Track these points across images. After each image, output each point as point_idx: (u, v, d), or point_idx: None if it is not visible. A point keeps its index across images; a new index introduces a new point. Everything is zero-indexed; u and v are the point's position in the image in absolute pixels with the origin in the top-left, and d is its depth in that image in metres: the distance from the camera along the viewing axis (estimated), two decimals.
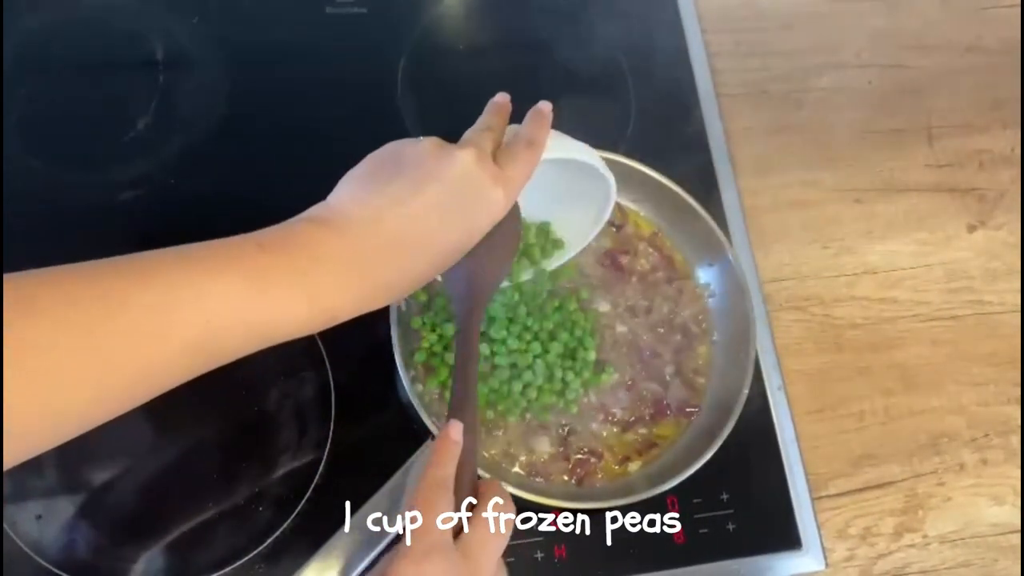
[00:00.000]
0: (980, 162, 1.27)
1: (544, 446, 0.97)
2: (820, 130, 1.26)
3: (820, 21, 1.34)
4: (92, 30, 1.15)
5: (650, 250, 1.08)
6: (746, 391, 0.97)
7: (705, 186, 1.14)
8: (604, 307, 1.04)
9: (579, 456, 0.97)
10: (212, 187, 1.08)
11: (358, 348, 1.01)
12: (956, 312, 1.18)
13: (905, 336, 1.15)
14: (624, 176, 1.06)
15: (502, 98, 0.81)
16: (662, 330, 1.05)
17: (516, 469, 0.96)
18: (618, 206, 1.08)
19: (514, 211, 0.83)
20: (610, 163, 1.04)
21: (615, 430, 0.99)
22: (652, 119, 1.19)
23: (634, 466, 0.98)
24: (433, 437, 0.89)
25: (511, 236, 0.84)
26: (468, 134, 0.77)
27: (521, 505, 0.88)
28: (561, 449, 0.97)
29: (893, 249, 1.20)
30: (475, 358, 0.80)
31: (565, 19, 1.25)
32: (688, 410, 1.01)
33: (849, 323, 1.15)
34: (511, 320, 0.98)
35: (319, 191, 1.10)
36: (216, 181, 1.09)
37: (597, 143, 1.05)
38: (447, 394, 0.96)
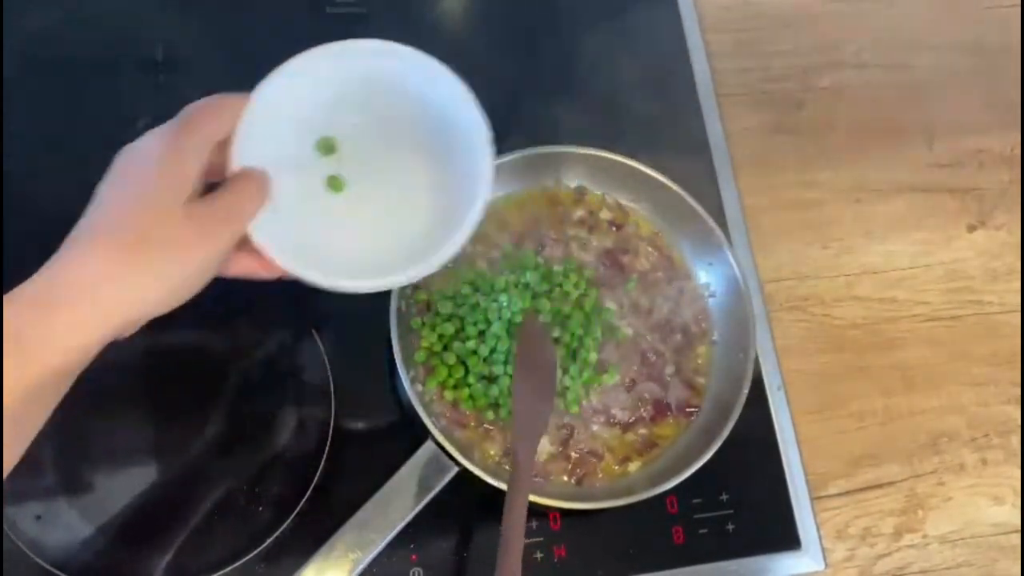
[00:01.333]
0: (980, 162, 1.27)
1: (544, 446, 0.97)
2: (820, 130, 1.26)
3: (820, 21, 1.34)
4: (92, 30, 1.15)
5: (650, 249, 1.08)
6: (746, 391, 0.97)
7: (705, 186, 1.14)
8: (608, 306, 1.04)
9: (579, 456, 0.97)
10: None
11: (358, 348, 1.01)
12: (956, 312, 1.18)
13: (905, 336, 1.15)
14: (624, 176, 1.06)
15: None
16: (662, 330, 1.05)
17: None
18: (619, 205, 1.09)
19: (550, 352, 0.95)
20: (611, 163, 1.05)
21: (615, 431, 0.99)
22: (652, 119, 1.19)
23: (634, 466, 0.98)
24: (433, 438, 0.89)
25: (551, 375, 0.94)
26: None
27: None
28: (561, 449, 0.97)
29: (893, 249, 1.20)
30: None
31: (565, 19, 1.25)
32: (688, 410, 1.01)
33: (849, 323, 1.15)
34: (511, 322, 0.98)
35: None
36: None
37: (597, 143, 1.06)
38: (447, 394, 0.96)
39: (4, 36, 1.11)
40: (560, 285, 1.02)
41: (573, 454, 0.97)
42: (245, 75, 1.15)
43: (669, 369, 1.03)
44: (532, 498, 0.88)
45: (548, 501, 0.90)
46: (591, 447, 0.98)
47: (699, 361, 1.04)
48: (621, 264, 1.07)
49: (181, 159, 0.70)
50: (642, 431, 1.00)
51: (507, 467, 0.95)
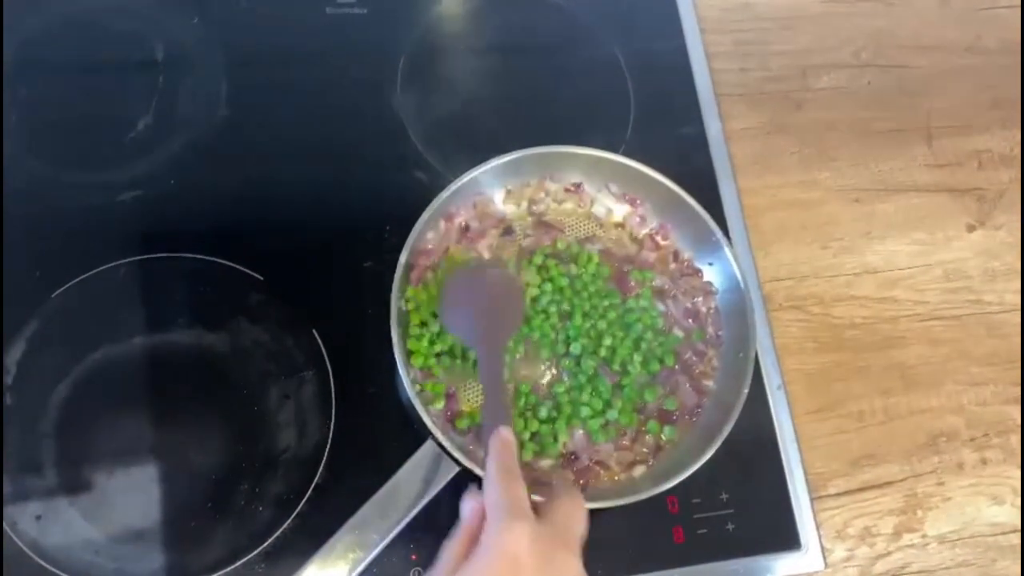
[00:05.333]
0: (979, 162, 1.27)
1: (548, 461, 0.97)
2: (819, 130, 1.26)
3: (819, 21, 1.34)
4: (92, 30, 1.15)
5: (663, 242, 1.08)
6: (746, 391, 0.96)
7: (704, 186, 1.14)
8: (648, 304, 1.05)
9: (584, 467, 0.97)
10: (212, 187, 1.08)
11: (358, 348, 1.01)
12: (955, 312, 1.18)
13: (904, 336, 1.15)
14: (624, 176, 1.06)
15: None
16: (686, 327, 1.05)
17: None
18: (615, 198, 1.09)
19: (517, 291, 0.99)
20: (610, 163, 1.05)
21: (624, 452, 0.99)
22: (652, 119, 1.19)
23: (639, 470, 0.97)
24: (434, 437, 0.89)
25: (516, 312, 0.98)
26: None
27: None
28: (565, 463, 0.97)
29: (892, 249, 1.20)
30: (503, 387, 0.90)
31: (565, 19, 1.25)
32: (697, 411, 1.01)
33: (848, 323, 1.15)
34: None
35: (319, 190, 1.11)
36: (216, 181, 1.09)
37: (597, 143, 1.06)
38: (439, 394, 0.96)
39: (4, 36, 1.11)
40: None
41: (578, 467, 0.97)
42: (245, 75, 1.16)
43: (682, 377, 1.03)
44: (533, 498, 0.88)
45: None
46: (598, 458, 0.97)
47: (712, 364, 1.04)
48: (634, 260, 1.07)
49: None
50: (648, 439, 0.99)
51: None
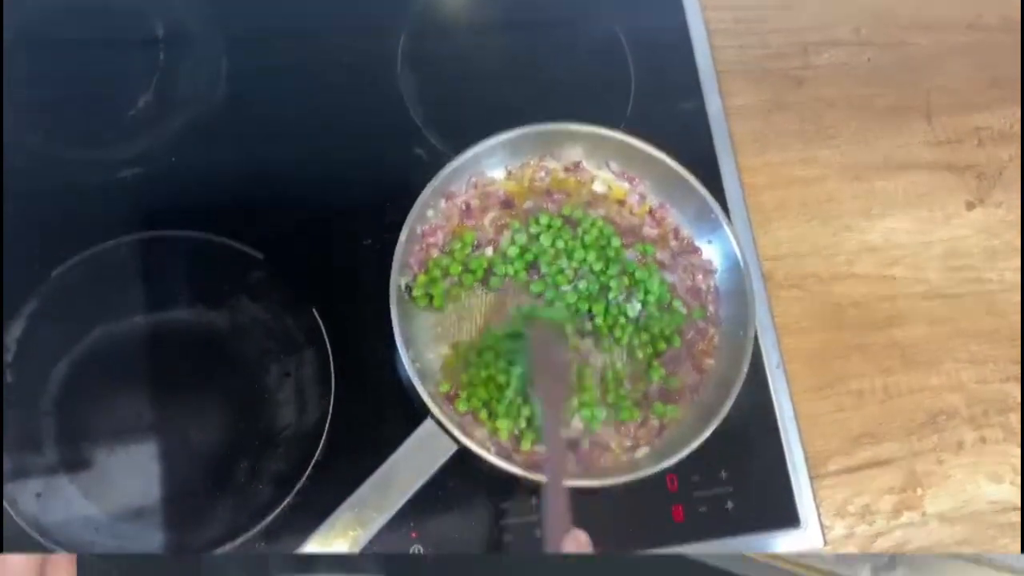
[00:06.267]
0: (979, 139, 1.27)
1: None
2: (819, 107, 1.26)
3: None
4: (93, 8, 1.15)
5: (666, 218, 1.08)
6: (745, 369, 0.96)
7: (704, 164, 1.14)
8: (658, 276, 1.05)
9: (586, 449, 0.97)
10: (213, 165, 1.08)
11: (358, 326, 1.01)
12: (955, 290, 1.18)
13: (904, 314, 1.15)
14: (624, 153, 1.06)
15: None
16: (688, 304, 1.05)
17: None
18: (615, 176, 1.09)
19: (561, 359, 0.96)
20: (611, 140, 1.05)
21: (626, 439, 0.99)
22: (652, 97, 1.19)
23: (643, 451, 0.98)
24: (433, 416, 0.89)
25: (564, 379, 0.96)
26: None
27: (524, 483, 0.88)
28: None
29: (892, 227, 1.20)
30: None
31: None
32: (697, 390, 1.01)
33: (848, 301, 1.15)
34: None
35: (319, 168, 1.10)
36: (217, 158, 1.08)
37: (597, 120, 1.06)
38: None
39: (5, 15, 1.11)
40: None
41: (579, 452, 0.97)
42: (246, 53, 1.15)
43: (684, 356, 1.03)
44: (532, 476, 0.88)
45: None
46: (598, 441, 0.97)
47: (713, 342, 1.04)
48: (636, 233, 1.07)
49: None
50: (653, 422, 0.99)
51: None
